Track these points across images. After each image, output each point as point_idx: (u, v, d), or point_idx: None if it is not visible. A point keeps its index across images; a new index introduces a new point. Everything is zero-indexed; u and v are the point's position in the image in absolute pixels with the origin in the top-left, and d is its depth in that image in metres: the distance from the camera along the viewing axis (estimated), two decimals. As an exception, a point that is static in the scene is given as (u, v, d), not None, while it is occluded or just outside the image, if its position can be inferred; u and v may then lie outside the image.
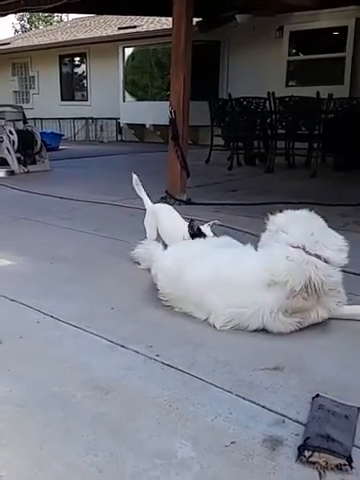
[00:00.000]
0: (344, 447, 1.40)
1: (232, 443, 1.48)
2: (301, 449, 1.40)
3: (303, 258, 2.10)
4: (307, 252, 2.13)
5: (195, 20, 9.97)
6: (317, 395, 1.68)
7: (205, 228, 2.96)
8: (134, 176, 3.51)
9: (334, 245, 2.20)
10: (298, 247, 2.14)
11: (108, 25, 14.97)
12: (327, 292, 2.16)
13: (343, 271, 2.25)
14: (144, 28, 13.03)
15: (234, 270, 2.28)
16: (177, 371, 1.88)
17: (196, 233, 2.93)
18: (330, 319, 2.30)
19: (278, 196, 5.35)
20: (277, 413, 1.63)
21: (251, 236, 3.80)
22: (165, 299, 2.47)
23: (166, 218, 3.31)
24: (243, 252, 2.46)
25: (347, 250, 2.20)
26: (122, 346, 2.07)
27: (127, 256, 3.23)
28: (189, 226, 2.99)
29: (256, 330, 2.19)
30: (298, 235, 2.18)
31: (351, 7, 9.36)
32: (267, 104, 7.76)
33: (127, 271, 3.05)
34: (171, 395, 1.72)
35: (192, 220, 3.02)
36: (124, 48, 13.28)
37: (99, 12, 12.35)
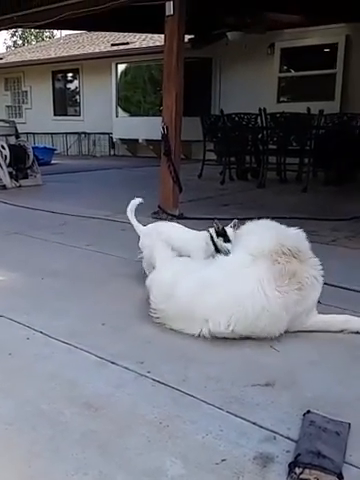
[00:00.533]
0: (335, 464, 1.39)
1: (223, 460, 1.47)
2: (292, 466, 1.39)
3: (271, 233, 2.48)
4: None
5: (187, 37, 10.10)
6: (308, 411, 1.67)
7: (228, 229, 2.88)
8: (134, 201, 3.35)
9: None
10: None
11: (101, 41, 15.11)
12: (304, 260, 2.38)
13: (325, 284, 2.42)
14: (137, 45, 13.16)
15: (223, 271, 2.43)
16: (168, 388, 1.87)
17: (221, 233, 2.86)
18: (318, 332, 2.31)
19: (270, 211, 5.36)
20: (268, 430, 1.62)
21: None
22: (156, 315, 2.46)
23: (177, 231, 3.18)
24: (228, 257, 2.62)
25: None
26: (112, 363, 2.05)
27: (119, 271, 3.23)
28: (215, 226, 2.90)
29: (254, 338, 2.20)
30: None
31: (341, 24, 9.52)
32: (258, 120, 7.84)
33: (119, 287, 3.04)
34: (161, 412, 1.71)
35: (215, 220, 2.96)
36: (117, 64, 13.39)
37: (91, 29, 12.47)
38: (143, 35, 13.18)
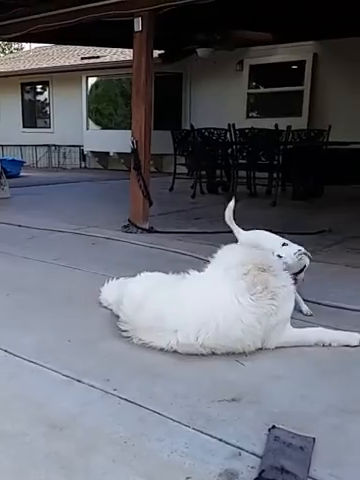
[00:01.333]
0: (298, 479, 1.40)
1: (188, 478, 1.46)
2: (256, 483, 1.40)
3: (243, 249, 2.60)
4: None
5: (158, 52, 10.20)
6: (273, 426, 1.69)
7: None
8: (230, 205, 3.25)
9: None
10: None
11: (71, 54, 15.09)
12: (276, 274, 2.41)
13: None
14: (107, 59, 13.19)
15: (196, 285, 2.46)
16: (134, 406, 1.86)
17: None
18: (284, 348, 2.34)
19: (240, 224, 5.42)
20: (234, 446, 1.62)
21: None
22: (125, 329, 2.45)
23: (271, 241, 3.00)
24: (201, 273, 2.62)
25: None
26: (78, 381, 2.03)
27: (87, 286, 3.20)
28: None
29: (228, 353, 2.21)
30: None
31: (309, 42, 9.78)
32: (228, 135, 7.95)
33: (86, 302, 3.00)
34: (127, 431, 1.69)
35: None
36: (87, 77, 13.40)
37: (61, 42, 12.44)
38: (114, 49, 13.23)
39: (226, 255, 2.60)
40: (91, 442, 1.63)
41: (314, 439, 1.63)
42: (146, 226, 5.23)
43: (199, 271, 2.58)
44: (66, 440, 1.64)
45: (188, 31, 8.09)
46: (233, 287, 2.31)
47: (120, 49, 12.65)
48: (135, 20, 4.77)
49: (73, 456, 1.56)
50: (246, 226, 5.28)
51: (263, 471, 1.43)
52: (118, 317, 2.52)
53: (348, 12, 6.84)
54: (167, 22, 5.83)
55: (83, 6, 5.21)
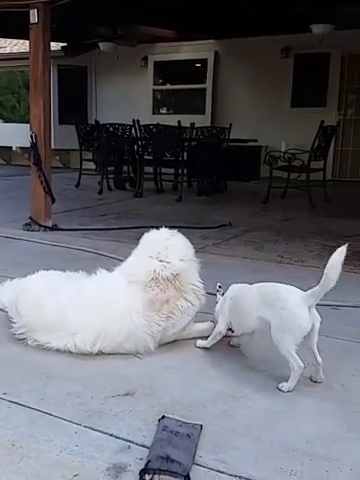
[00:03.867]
0: (182, 467, 1.45)
1: (75, 476, 1.47)
2: (142, 473, 1.44)
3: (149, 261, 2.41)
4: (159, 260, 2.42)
5: (60, 44, 9.94)
6: (163, 416, 1.73)
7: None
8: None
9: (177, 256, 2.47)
10: (151, 257, 2.44)
11: (-31, 44, 14.27)
12: (182, 287, 2.38)
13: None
14: (8, 50, 12.65)
15: (97, 289, 2.42)
16: (25, 408, 1.82)
17: None
18: (180, 341, 2.41)
19: (146, 220, 5.47)
20: (124, 439, 1.65)
21: (118, 262, 3.85)
22: (20, 331, 2.38)
23: None
24: (105, 274, 2.55)
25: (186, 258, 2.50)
26: (-35, 387, 1.95)
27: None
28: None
29: (122, 353, 2.25)
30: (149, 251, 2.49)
31: (210, 41, 10.00)
32: (133, 131, 7.96)
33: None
34: (15, 434, 1.66)
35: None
36: (-13, 68, 12.76)
37: None
38: (15, 40, 12.70)
39: (135, 257, 2.53)
40: (-25, 449, 1.58)
41: (201, 426, 1.70)
42: (49, 224, 5.10)
43: (109, 270, 2.55)
44: None
45: (90, 24, 7.95)
46: (131, 301, 2.29)
47: (21, 40, 12.16)
48: (31, 12, 4.62)
49: None
50: (153, 222, 5.38)
51: (149, 462, 1.47)
52: (12, 319, 2.44)
53: (245, 12, 7.10)
54: (68, 14, 5.72)
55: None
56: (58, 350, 2.27)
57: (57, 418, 1.77)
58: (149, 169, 8.07)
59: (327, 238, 4.68)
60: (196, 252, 4.18)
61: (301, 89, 9.50)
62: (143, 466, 1.47)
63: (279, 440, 1.67)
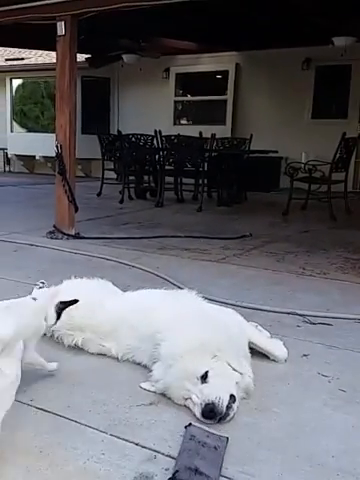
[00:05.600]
0: None
1: (102, 485, 1.48)
2: (170, 483, 1.44)
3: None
4: None
5: (85, 56, 10.11)
6: (190, 424, 1.73)
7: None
8: None
9: None
10: None
11: (-5, 55, 14.58)
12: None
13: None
14: (32, 61, 12.86)
15: None
16: (51, 415, 1.84)
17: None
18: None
19: (167, 230, 5.51)
20: (150, 449, 1.66)
21: (138, 270, 3.88)
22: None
23: None
24: None
25: None
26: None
27: (9, 295, 3.09)
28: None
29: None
30: None
31: (232, 53, 10.08)
32: (155, 141, 8.02)
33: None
34: (43, 440, 1.68)
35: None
36: (11, 79, 13.01)
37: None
38: (40, 51, 12.93)
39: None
40: (3, 453, 1.60)
41: (227, 438, 1.70)
42: (72, 232, 5.17)
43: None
44: (-23, 454, 1.60)
45: (114, 37, 8.08)
46: None
47: (46, 51, 12.39)
48: (58, 24, 4.71)
49: (-15, 470, 1.53)
50: (174, 231, 5.39)
51: (177, 471, 1.47)
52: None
53: (266, 25, 7.15)
54: (93, 27, 5.82)
55: (5, 8, 5.08)
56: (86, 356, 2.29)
57: (83, 425, 1.78)
58: (170, 179, 8.12)
59: (349, 251, 4.65)
60: (216, 262, 4.20)
61: (322, 101, 9.48)
62: (170, 475, 1.47)
63: (305, 454, 1.66)
